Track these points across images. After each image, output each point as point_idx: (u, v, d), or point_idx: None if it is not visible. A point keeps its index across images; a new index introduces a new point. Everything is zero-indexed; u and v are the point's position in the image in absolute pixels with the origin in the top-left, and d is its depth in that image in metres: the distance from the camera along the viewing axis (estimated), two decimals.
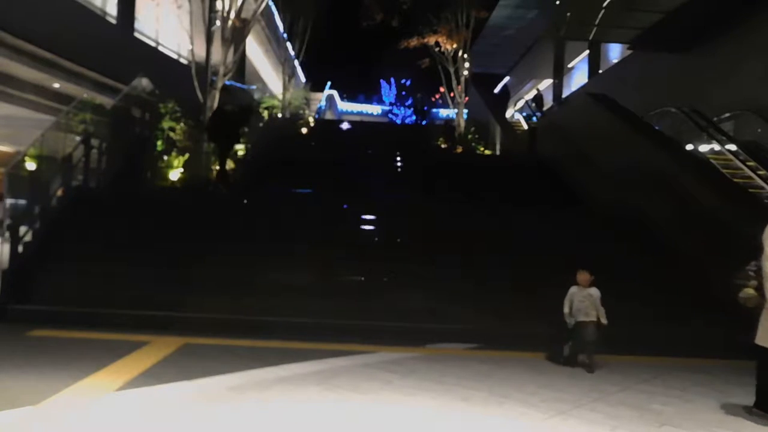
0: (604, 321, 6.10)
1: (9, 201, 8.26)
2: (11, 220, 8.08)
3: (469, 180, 13.22)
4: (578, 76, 29.90)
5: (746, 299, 5.01)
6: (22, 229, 8.26)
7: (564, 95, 28.44)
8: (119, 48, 16.46)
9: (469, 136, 22.39)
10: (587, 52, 27.06)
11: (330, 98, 38.71)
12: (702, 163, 10.85)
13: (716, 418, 4.82)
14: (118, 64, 15.11)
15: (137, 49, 18.15)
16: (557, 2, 19.63)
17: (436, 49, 24.20)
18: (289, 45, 27.63)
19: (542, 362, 6.41)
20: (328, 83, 38.06)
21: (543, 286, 7.28)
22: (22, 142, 11.17)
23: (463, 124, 23.54)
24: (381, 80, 49.13)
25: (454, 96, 24.53)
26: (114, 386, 4.86)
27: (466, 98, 24.71)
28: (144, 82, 13.34)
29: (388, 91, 49.30)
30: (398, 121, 43.62)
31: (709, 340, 7.14)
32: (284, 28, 27.03)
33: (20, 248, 8.13)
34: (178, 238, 8.94)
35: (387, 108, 48.41)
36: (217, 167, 12.24)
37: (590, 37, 19.97)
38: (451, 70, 24.25)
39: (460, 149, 20.65)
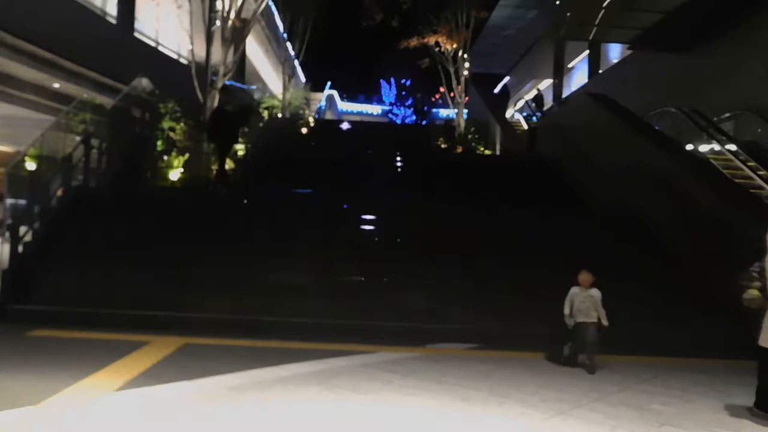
0: (604, 323, 6.10)
1: (9, 201, 8.25)
2: (12, 220, 8.09)
3: (469, 180, 13.22)
4: (578, 76, 29.90)
5: (750, 300, 5.01)
6: (22, 229, 8.26)
7: (564, 95, 28.44)
8: (119, 48, 16.46)
9: (469, 136, 22.39)
10: (587, 52, 27.06)
11: (330, 98, 38.71)
12: (702, 163, 10.84)
13: (716, 418, 4.82)
14: (118, 64, 15.11)
15: (137, 49, 18.15)
16: (557, 2, 19.62)
17: (436, 49, 24.21)
18: (289, 45, 27.63)
19: (542, 362, 6.41)
20: (328, 83, 38.13)
21: (543, 286, 7.28)
22: (22, 142, 11.17)
23: (463, 124, 23.55)
24: (381, 80, 49.25)
25: (454, 96, 24.54)
26: (114, 386, 4.86)
27: (466, 98, 24.72)
28: (144, 82, 13.34)
29: (388, 91, 49.34)
30: (398, 121, 43.64)
31: (709, 340, 7.14)
32: (284, 28, 27.04)
33: (20, 248, 8.13)
34: (178, 238, 8.94)
35: (387, 108, 48.42)
36: (217, 167, 12.24)
37: (590, 37, 19.97)
38: (451, 70, 24.27)
39: (460, 149, 20.65)
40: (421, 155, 17.80)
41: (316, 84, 34.88)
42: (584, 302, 6.15)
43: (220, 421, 4.25)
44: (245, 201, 10.92)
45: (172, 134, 13.16)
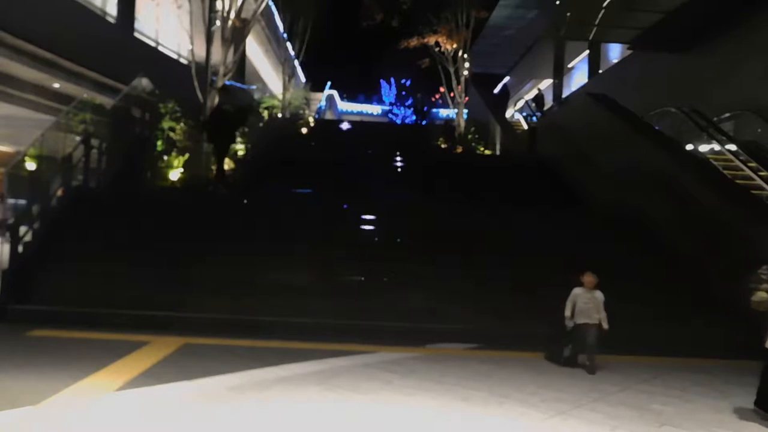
0: (605, 325, 6.10)
1: (10, 201, 8.26)
2: (13, 219, 8.09)
3: (469, 180, 13.22)
4: (578, 76, 29.89)
5: (759, 303, 5.01)
6: (22, 229, 8.25)
7: (564, 95, 28.44)
8: (119, 48, 16.46)
9: (469, 136, 22.39)
10: (587, 52, 27.05)
11: (330, 98, 38.72)
12: (702, 163, 10.84)
13: (716, 418, 4.82)
14: (118, 64, 15.11)
15: (137, 49, 18.15)
16: (557, 2, 19.62)
17: (436, 49, 24.21)
18: (289, 45, 27.63)
19: (542, 362, 6.41)
20: (328, 83, 38.15)
21: (543, 286, 7.29)
22: (22, 142, 11.19)
23: (463, 124, 23.55)
24: (381, 80, 49.24)
25: (454, 96, 24.54)
26: (114, 386, 4.86)
27: (466, 98, 24.72)
28: (144, 82, 13.35)
29: (388, 91, 49.33)
30: (398, 121, 43.64)
31: (709, 340, 7.15)
32: (284, 28, 27.04)
33: (20, 248, 8.13)
34: (178, 238, 8.94)
35: (387, 108, 48.43)
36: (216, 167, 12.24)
37: (590, 37, 19.96)
38: (451, 70, 24.27)
39: (460, 149, 20.65)
40: (421, 155, 17.80)
41: (316, 84, 34.93)
42: (587, 303, 6.15)
43: (220, 421, 4.25)
44: (245, 201, 10.91)
45: (172, 134, 13.17)
